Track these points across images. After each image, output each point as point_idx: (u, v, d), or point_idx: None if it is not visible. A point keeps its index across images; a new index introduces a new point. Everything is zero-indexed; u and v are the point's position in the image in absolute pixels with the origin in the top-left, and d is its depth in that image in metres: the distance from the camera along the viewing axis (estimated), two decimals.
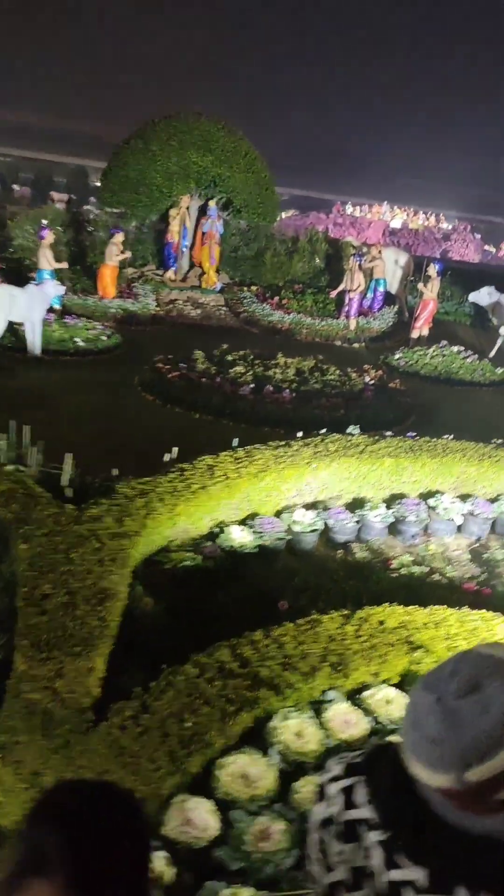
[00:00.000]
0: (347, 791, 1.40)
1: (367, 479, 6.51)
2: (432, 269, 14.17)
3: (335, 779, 1.44)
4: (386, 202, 66.15)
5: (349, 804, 1.39)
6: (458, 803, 1.23)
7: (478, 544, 6.45)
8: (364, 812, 1.36)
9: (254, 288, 16.42)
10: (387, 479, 6.58)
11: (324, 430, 7.09)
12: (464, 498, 6.77)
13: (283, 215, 66.86)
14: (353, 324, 14.73)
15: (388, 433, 7.34)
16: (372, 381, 10.41)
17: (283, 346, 12.02)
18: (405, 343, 13.96)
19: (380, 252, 16.33)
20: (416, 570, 5.51)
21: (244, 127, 17.03)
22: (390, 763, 1.33)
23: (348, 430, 7.22)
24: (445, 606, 4.29)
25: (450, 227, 67.36)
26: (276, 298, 15.74)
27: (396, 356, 12.86)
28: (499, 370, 12.79)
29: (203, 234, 16.23)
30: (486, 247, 70.45)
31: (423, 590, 5.10)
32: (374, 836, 1.33)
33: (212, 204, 15.97)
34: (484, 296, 14.54)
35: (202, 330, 14.10)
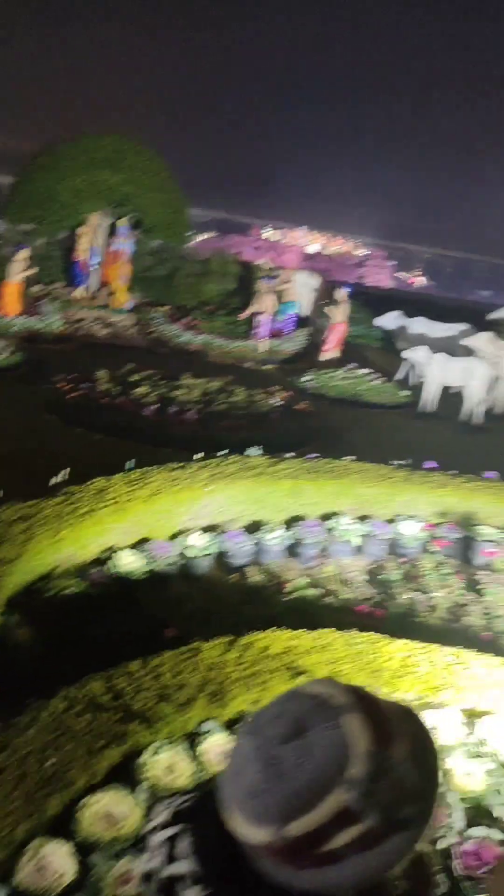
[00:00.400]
0: (171, 841, 1.26)
1: (265, 501, 6.44)
2: (341, 293, 14.38)
3: (161, 826, 1.30)
4: (305, 227, 67.46)
5: (171, 856, 1.25)
6: (279, 858, 1.11)
7: (375, 565, 6.46)
8: (184, 866, 1.23)
9: (165, 308, 16.30)
10: (286, 502, 6.53)
11: (224, 452, 6.99)
12: (363, 519, 6.79)
13: (202, 237, 67.26)
14: (263, 345, 14.78)
15: (290, 455, 7.30)
16: (279, 403, 10.42)
17: (192, 368, 11.93)
18: (316, 365, 14.09)
19: (290, 275, 16.51)
20: (311, 592, 5.45)
21: (163, 148, 17.02)
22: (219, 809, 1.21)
23: (248, 452, 7.14)
24: (333, 629, 4.22)
25: (365, 253, 69.20)
26: (187, 319, 15.67)
27: (305, 378, 12.94)
28: (403, 393, 13.02)
29: (113, 252, 16.06)
30: (400, 273, 72.64)
31: (316, 613, 5.04)
32: (191, 895, 1.20)
33: (121, 223, 15.82)
34: (390, 320, 14.82)
35: (109, 349, 13.84)
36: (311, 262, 66.28)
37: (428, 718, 3.75)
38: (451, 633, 5.32)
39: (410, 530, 6.73)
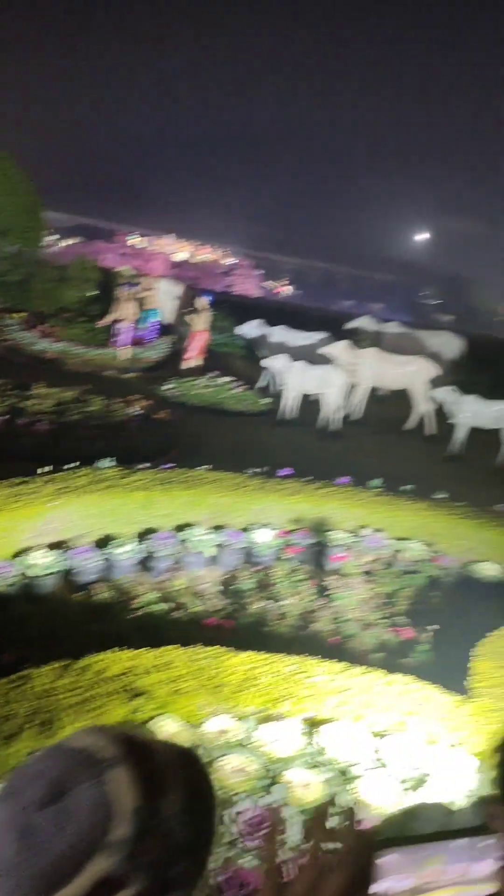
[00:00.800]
0: None
1: (116, 514, 6.26)
2: (201, 302, 14.37)
3: None
4: (172, 234, 67.42)
5: None
6: None
7: (229, 575, 6.41)
8: None
9: (20, 315, 15.72)
10: (138, 514, 6.38)
11: (75, 464, 6.75)
12: (217, 529, 6.74)
13: (67, 243, 65.80)
14: (125, 353, 14.53)
15: (145, 465, 7.15)
16: (138, 412, 10.23)
17: (49, 376, 11.55)
18: (178, 374, 14.01)
19: (152, 283, 16.35)
20: (159, 608, 5.32)
21: (23, 151, 16.44)
22: None
23: (99, 464, 6.93)
24: (177, 646, 4.11)
25: (232, 262, 69.95)
26: (44, 326, 15.18)
27: (166, 387, 12.82)
28: (264, 401, 13.15)
29: None
30: (267, 283, 73.95)
31: (164, 629, 4.93)
32: None
33: None
34: (251, 329, 14.95)
35: None
36: (179, 270, 66.36)
37: (268, 731, 3.72)
38: (299, 640, 5.34)
39: (264, 538, 6.74)
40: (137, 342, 15.71)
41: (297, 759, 3.63)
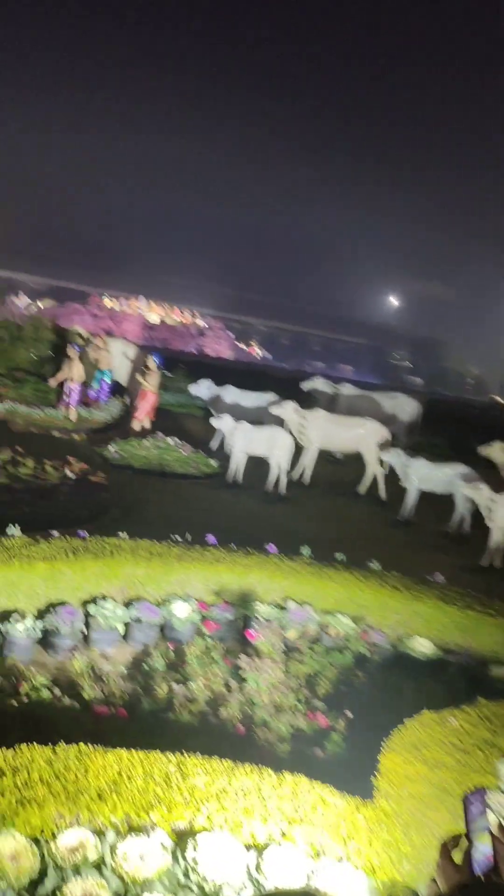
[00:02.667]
0: None
1: (16, 587, 5.83)
2: (151, 362, 14.18)
3: None
4: (143, 297, 67.78)
5: None
6: None
7: (140, 653, 5.98)
8: None
9: None
10: (41, 587, 5.95)
11: None
12: (132, 602, 6.32)
13: (41, 305, 66.15)
14: (73, 413, 14.22)
15: (54, 533, 6.74)
16: (70, 476, 9.86)
17: None
18: (127, 435, 13.70)
19: (105, 343, 16.15)
20: (46, 695, 4.86)
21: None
22: None
23: (8, 531, 6.52)
24: (34, 744, 3.66)
25: (205, 324, 70.50)
26: None
27: (111, 448, 12.47)
28: (212, 462, 12.84)
29: None
30: (239, 344, 74.53)
31: (46, 719, 4.47)
32: None
33: None
34: (203, 388, 14.72)
35: None
36: (152, 331, 66.69)
37: (131, 845, 3.27)
38: (200, 730, 4.92)
39: (181, 612, 6.33)
40: (88, 402, 15.43)
41: (159, 879, 3.18)
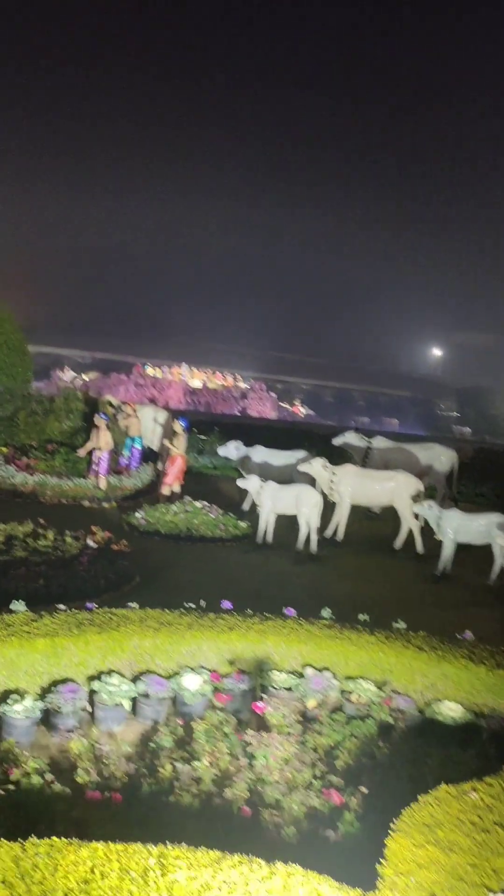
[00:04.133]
0: None
1: (16, 665, 5.64)
2: (178, 425, 14.13)
3: None
4: (185, 363, 68.89)
5: None
6: None
7: (147, 730, 5.70)
8: None
9: (3, 449, 15.57)
10: (42, 664, 5.74)
11: None
12: (139, 676, 6.07)
13: (86, 378, 67.76)
14: (102, 482, 14.19)
15: (62, 606, 6.56)
16: (94, 545, 9.72)
17: (21, 510, 11.24)
18: (157, 500, 13.60)
19: (134, 410, 16.22)
20: (37, 780, 4.61)
21: (37, 296, 16.87)
22: None
23: (12, 606, 6.37)
24: (1, 840, 3.40)
25: (247, 386, 71.13)
26: (26, 458, 14.97)
27: (138, 515, 12.36)
28: (243, 523, 12.60)
29: None
30: (282, 404, 74.86)
31: (27, 810, 4.21)
32: None
33: None
34: (231, 450, 14.59)
35: None
36: (195, 396, 67.55)
37: None
38: (203, 813, 4.59)
39: (192, 684, 6.05)
40: (119, 470, 15.43)
41: None
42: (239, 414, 63.06)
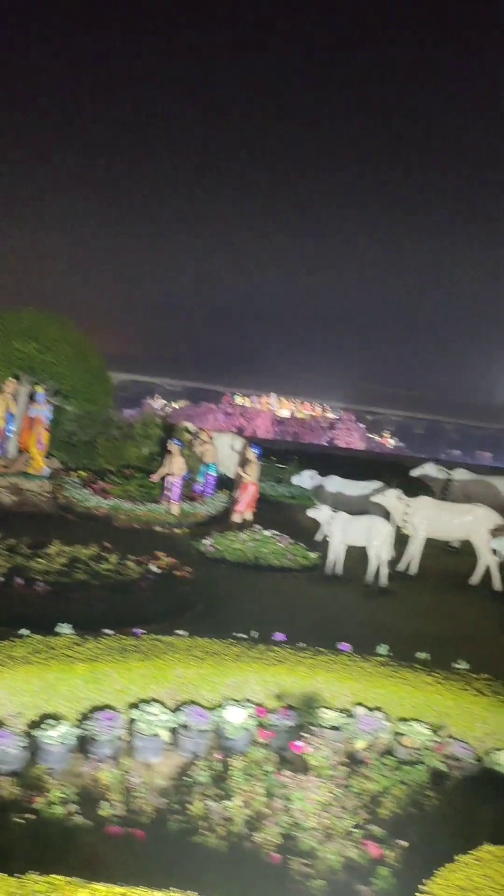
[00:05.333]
0: None
1: (56, 689, 5.57)
2: (251, 453, 14.04)
3: None
4: (274, 393, 69.23)
5: None
6: None
7: (185, 763, 5.51)
8: None
9: (83, 473, 15.85)
10: (82, 689, 5.66)
11: (25, 631, 6.18)
12: (181, 707, 5.90)
13: (176, 406, 68.99)
14: (174, 508, 14.21)
15: (109, 631, 6.48)
16: (156, 570, 9.67)
17: (93, 534, 11.37)
18: (228, 528, 13.49)
19: (210, 437, 16.25)
20: (59, 810, 4.48)
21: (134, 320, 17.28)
22: None
23: (57, 629, 6.34)
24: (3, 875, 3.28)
25: (335, 416, 70.71)
26: (100, 483, 15.18)
27: (206, 542, 12.27)
28: (313, 555, 12.32)
29: (31, 419, 15.86)
30: (371, 435, 73.97)
31: (41, 842, 4.08)
32: None
33: (38, 389, 15.71)
34: (306, 479, 14.40)
35: (11, 517, 13.26)
36: (282, 426, 67.64)
37: None
38: (227, 857, 4.35)
39: (235, 717, 5.82)
40: (193, 497, 15.43)
41: None
42: (326, 444, 62.76)
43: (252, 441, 16.37)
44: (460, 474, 15.52)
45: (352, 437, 68.76)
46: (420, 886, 3.65)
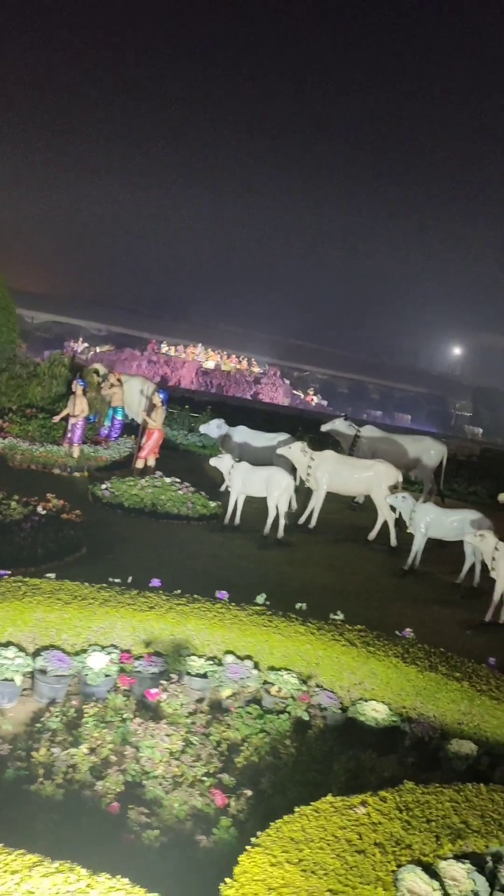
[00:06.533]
0: None
1: None
2: (157, 398, 13.66)
3: None
4: (201, 344, 68.24)
5: None
6: None
7: (38, 711, 5.25)
8: None
9: None
10: None
11: None
12: (41, 651, 5.63)
13: (98, 350, 67.30)
14: (75, 451, 13.77)
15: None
16: (43, 512, 9.29)
17: None
18: (128, 473, 13.16)
19: (119, 380, 15.77)
20: None
21: (55, 260, 16.45)
22: None
23: None
24: None
25: (261, 371, 70.44)
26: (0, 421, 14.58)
27: (104, 486, 11.92)
28: (213, 504, 12.13)
29: None
30: (296, 392, 74.12)
31: None
32: None
33: None
34: (213, 428, 14.11)
35: None
36: (208, 377, 66.97)
37: None
38: (62, 806, 4.13)
39: (97, 663, 5.59)
40: (98, 441, 15.02)
41: None
42: (250, 398, 62.55)
43: (167, 389, 15.94)
44: (368, 431, 15.53)
45: (276, 393, 68.74)
46: (252, 839, 3.51)
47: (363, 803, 3.91)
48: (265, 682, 5.88)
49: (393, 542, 11.78)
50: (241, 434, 13.94)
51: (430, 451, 15.20)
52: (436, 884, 3.46)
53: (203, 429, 14.44)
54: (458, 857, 3.71)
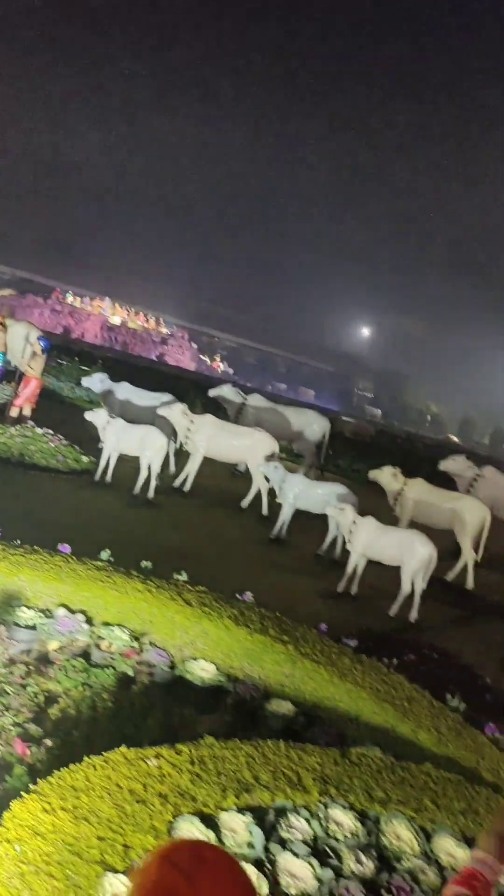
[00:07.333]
0: None
1: None
2: (38, 346, 13.27)
3: None
4: (108, 298, 66.83)
5: None
6: None
7: None
8: None
9: None
10: None
11: None
12: None
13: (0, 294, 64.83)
14: None
15: None
16: None
17: None
18: (4, 421, 12.76)
19: (3, 325, 15.21)
20: None
21: None
22: None
23: None
24: None
25: (168, 332, 69.69)
26: None
27: None
28: (85, 458, 11.94)
29: None
30: (203, 357, 73.81)
31: None
32: None
33: None
34: (96, 382, 13.84)
35: None
36: (113, 333, 65.75)
37: None
38: None
39: None
40: None
41: None
42: (155, 359, 61.79)
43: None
44: (254, 400, 15.62)
45: (182, 356, 68.24)
46: (31, 786, 3.49)
47: (158, 755, 3.96)
48: (98, 637, 5.85)
49: (264, 510, 11.94)
50: (124, 390, 13.74)
51: (312, 425, 15.45)
52: (212, 834, 3.55)
53: (86, 382, 14.14)
54: (243, 811, 3.81)
